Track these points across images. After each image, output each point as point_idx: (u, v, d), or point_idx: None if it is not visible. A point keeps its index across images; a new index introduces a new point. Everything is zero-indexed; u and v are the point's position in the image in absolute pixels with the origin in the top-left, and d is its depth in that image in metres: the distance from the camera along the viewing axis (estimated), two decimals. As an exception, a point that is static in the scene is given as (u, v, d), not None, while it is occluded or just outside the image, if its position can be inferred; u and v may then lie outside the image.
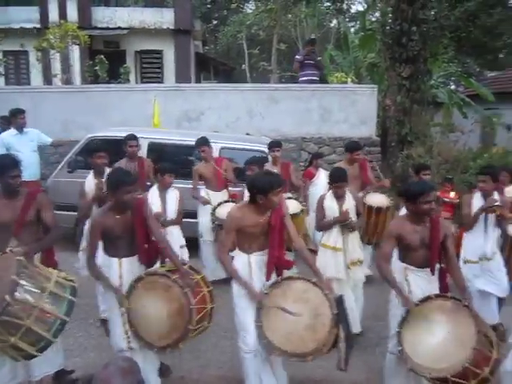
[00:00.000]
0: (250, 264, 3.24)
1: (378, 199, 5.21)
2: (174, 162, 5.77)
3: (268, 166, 5.51)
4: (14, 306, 2.57)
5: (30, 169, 5.83)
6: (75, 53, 13.43)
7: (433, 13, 8.81)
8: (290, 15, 18.90)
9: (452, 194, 5.53)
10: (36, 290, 2.71)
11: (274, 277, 3.28)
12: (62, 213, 5.31)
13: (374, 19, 13.73)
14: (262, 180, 3.13)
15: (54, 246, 3.63)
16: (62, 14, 13.79)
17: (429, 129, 9.44)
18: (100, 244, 3.29)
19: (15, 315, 2.58)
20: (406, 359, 2.97)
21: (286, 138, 8.17)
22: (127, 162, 5.36)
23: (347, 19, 21.29)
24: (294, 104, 8.57)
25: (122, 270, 3.25)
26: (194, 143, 5.75)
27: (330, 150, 8.45)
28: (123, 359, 1.86)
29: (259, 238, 3.22)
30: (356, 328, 4.13)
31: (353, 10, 22.50)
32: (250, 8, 24.02)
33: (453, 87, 16.05)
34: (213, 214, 5.38)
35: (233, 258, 3.33)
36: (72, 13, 14.02)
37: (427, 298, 3.11)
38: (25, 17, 14.20)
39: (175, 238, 4.81)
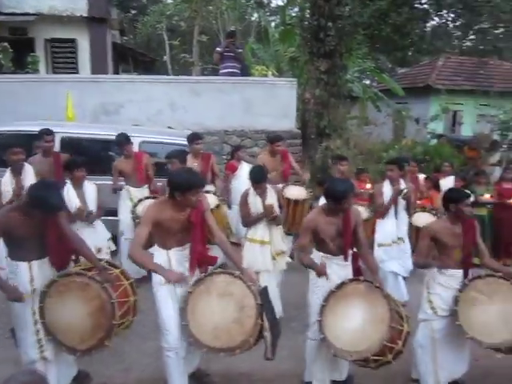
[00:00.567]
0: (169, 260, 3.17)
1: (295, 192, 5.38)
2: (90, 157, 5.48)
3: (188, 160, 5.42)
4: None
5: None
6: (-24, 40, 12.22)
7: (347, 9, 9.14)
8: (210, 7, 18.71)
9: (368, 185, 5.83)
10: None
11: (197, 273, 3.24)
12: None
13: (293, 14, 14.00)
14: (181, 178, 3.07)
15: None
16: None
17: (345, 122, 9.85)
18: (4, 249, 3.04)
19: None
20: (329, 346, 3.09)
21: (208, 131, 8.10)
22: (41, 158, 5.02)
23: (268, 13, 21.53)
24: (217, 97, 8.52)
25: (32, 273, 3.03)
26: (112, 137, 5.52)
27: (253, 142, 8.51)
28: (25, 373, 1.70)
29: (179, 233, 3.16)
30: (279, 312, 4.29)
31: (273, 5, 22.87)
32: (169, -2, 23.46)
33: (367, 82, 16.91)
34: (133, 211, 5.20)
35: (152, 255, 3.23)
36: (-28, -4, 12.71)
37: (342, 284, 3.25)
38: None
39: (100, 231, 4.74)
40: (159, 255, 3.18)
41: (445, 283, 3.43)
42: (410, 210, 5.02)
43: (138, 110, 8.28)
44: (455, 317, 3.32)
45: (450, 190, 3.81)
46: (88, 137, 6.23)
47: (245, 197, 4.54)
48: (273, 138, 5.89)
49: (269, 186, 4.59)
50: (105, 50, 13.44)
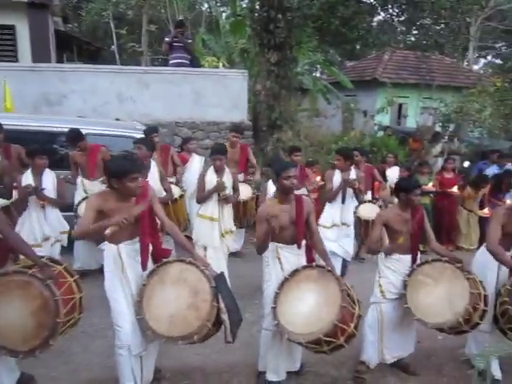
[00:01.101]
0: (120, 255, 3.07)
1: (243, 191, 5.44)
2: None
3: None
4: None
5: None
6: None
7: (296, 1, 9.20)
8: (159, -5, 18.27)
9: (318, 178, 5.93)
10: None
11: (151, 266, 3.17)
12: None
13: (244, 5, 13.92)
14: (116, 164, 2.97)
15: None
16: None
17: (296, 114, 9.96)
18: None
19: None
20: (283, 330, 3.12)
21: (158, 122, 7.92)
22: None
23: (218, 3, 21.28)
24: (166, 88, 8.33)
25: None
26: (55, 130, 5.33)
27: (204, 134, 8.42)
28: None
29: (127, 226, 3.04)
30: None
31: (223, -5, 22.57)
32: (115, -16, 22.56)
33: (317, 75, 17.17)
34: (75, 210, 5.05)
35: (103, 251, 3.15)
36: None
37: (295, 271, 3.31)
38: None
39: (53, 220, 4.77)
40: (109, 250, 3.08)
41: (392, 267, 3.60)
42: (359, 197, 5.20)
43: (83, 101, 7.95)
44: (403, 300, 3.49)
45: (402, 179, 4.00)
46: (29, 129, 5.88)
47: (203, 174, 4.87)
48: (230, 129, 6.10)
49: (227, 169, 4.89)
50: (46, 37, 12.77)
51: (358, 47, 18.11)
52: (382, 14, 14.20)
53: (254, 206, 5.69)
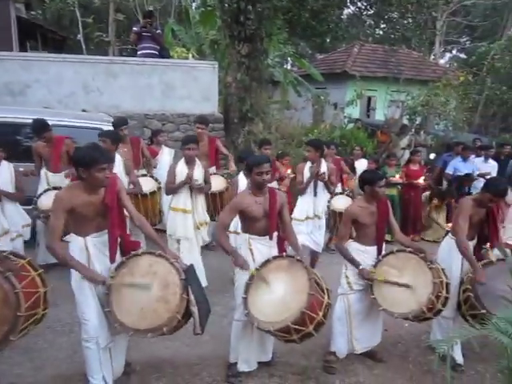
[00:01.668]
0: (87, 247, 3.01)
1: (216, 183, 5.45)
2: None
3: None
4: None
5: None
6: None
7: (267, -7, 9.14)
8: (126, -17, 17.85)
9: (289, 171, 5.97)
10: None
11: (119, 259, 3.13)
12: None
13: (213, -4, 13.75)
14: (82, 153, 2.91)
15: None
16: None
17: (268, 106, 9.95)
18: None
19: None
20: (252, 319, 3.14)
21: (127, 114, 7.75)
22: None
23: (188, -7, 20.95)
24: (135, 79, 8.18)
25: None
26: (19, 121, 5.19)
27: (175, 126, 8.33)
28: None
29: (95, 218, 3.01)
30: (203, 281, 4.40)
31: (193, -16, 22.23)
32: (81, -29, 21.84)
33: (288, 67, 17.21)
34: (35, 204, 4.92)
35: (68, 243, 3.06)
36: None
37: (266, 262, 3.34)
38: None
39: (13, 213, 4.70)
40: (75, 243, 3.01)
41: (358, 258, 3.64)
42: (330, 189, 5.25)
43: (48, 91, 7.72)
44: (370, 291, 3.56)
45: (365, 172, 4.01)
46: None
47: (174, 166, 4.80)
48: (195, 120, 6.07)
49: (198, 161, 4.85)
50: (8, 24, 12.31)
51: (327, 40, 18.19)
52: (351, 7, 14.28)
53: (229, 198, 5.59)
